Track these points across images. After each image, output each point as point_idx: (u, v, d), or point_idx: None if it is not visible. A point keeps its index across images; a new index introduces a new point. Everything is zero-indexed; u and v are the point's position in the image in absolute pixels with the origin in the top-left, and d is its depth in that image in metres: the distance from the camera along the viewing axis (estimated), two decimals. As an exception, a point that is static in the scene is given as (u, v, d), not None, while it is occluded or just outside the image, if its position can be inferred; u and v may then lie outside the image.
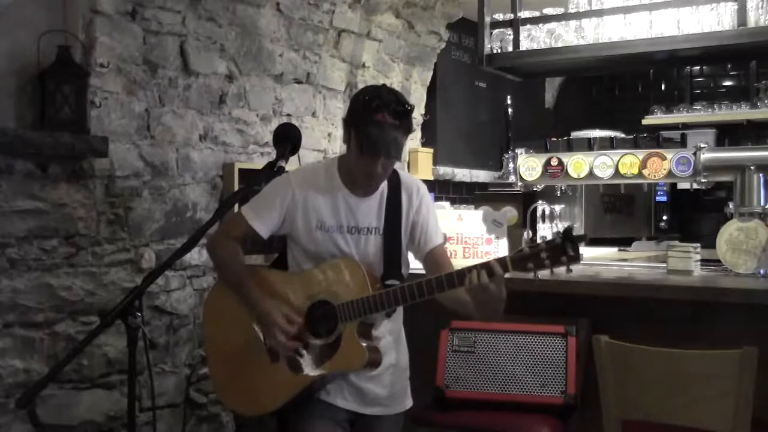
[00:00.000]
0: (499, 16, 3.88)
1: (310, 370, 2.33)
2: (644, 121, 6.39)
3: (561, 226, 3.54)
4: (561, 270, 2.13)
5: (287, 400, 2.36)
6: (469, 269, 2.17)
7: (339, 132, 4.33)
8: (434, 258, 2.45)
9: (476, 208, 3.67)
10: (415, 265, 2.55)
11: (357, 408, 2.41)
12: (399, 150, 2.28)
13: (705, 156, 3.35)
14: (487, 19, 3.85)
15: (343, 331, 2.31)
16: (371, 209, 2.40)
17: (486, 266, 2.15)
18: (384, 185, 2.41)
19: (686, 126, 6.24)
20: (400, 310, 2.48)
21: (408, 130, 2.30)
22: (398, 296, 2.27)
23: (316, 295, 2.36)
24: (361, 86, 4.60)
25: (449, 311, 2.39)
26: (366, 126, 2.22)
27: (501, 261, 2.16)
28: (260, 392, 2.40)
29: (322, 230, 2.38)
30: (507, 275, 2.17)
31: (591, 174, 3.59)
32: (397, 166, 2.40)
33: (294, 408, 2.39)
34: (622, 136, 4.30)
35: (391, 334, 2.46)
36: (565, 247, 2.09)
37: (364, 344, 2.32)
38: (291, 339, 2.33)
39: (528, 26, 3.81)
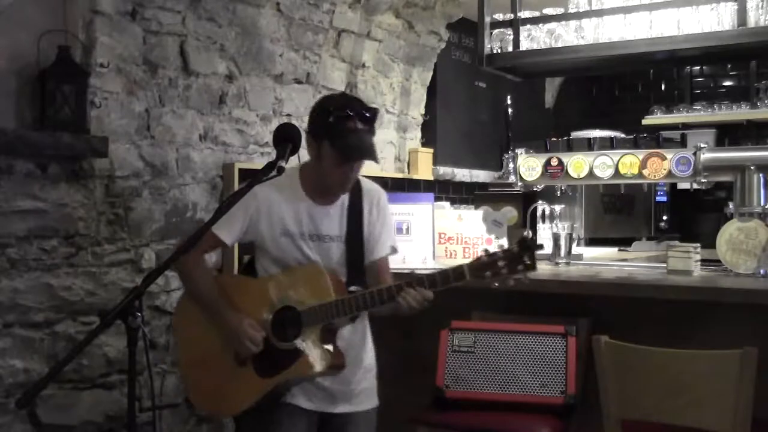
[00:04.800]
0: (499, 16, 3.88)
1: (275, 373, 2.39)
2: (644, 121, 6.38)
3: (561, 226, 3.55)
4: (519, 278, 2.20)
5: (254, 402, 2.42)
6: (431, 276, 2.27)
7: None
8: (374, 268, 2.52)
9: (476, 208, 3.67)
10: (393, 265, 2.63)
11: (325, 408, 2.49)
12: (375, 151, 2.40)
13: (705, 156, 3.34)
14: (487, 19, 3.85)
15: (307, 336, 2.37)
16: (333, 218, 2.48)
17: (447, 274, 2.26)
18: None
19: (686, 126, 6.23)
20: (364, 316, 2.54)
21: (374, 131, 2.42)
22: (360, 302, 2.34)
23: (281, 301, 2.42)
24: (361, 86, 4.61)
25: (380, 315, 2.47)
26: (341, 136, 2.31)
27: (458, 269, 2.26)
28: (228, 395, 2.47)
29: (286, 236, 2.45)
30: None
31: (591, 174, 3.59)
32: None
33: (260, 412, 2.45)
34: (622, 136, 4.29)
35: (355, 337, 2.53)
36: (521, 256, 2.16)
37: (327, 349, 2.39)
38: (258, 345, 2.39)
39: (528, 26, 3.81)
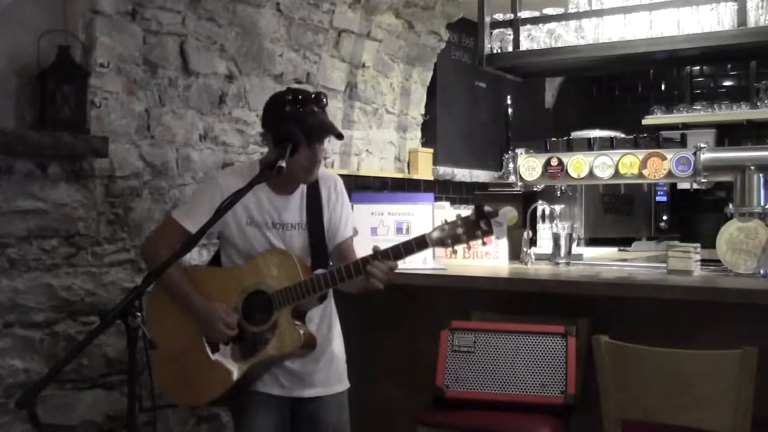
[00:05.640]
0: (499, 16, 3.88)
1: (249, 356, 2.47)
2: (644, 121, 6.38)
3: (561, 226, 3.55)
4: (476, 243, 2.38)
5: (228, 388, 2.48)
6: (396, 248, 2.36)
7: (339, 132, 4.33)
8: (340, 251, 2.62)
9: (476, 208, 3.66)
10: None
11: (295, 392, 2.56)
12: (335, 126, 2.52)
13: (705, 156, 3.34)
14: (487, 19, 3.85)
15: (279, 318, 2.45)
16: (294, 206, 2.57)
17: (374, 258, 2.35)
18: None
19: (686, 126, 6.22)
20: (331, 302, 2.65)
21: (326, 113, 2.55)
22: (328, 278, 2.41)
23: (251, 286, 2.49)
24: (361, 86, 4.62)
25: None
26: (303, 120, 2.41)
27: (420, 238, 2.37)
28: (202, 382, 2.51)
29: (252, 225, 2.53)
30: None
31: (591, 174, 3.59)
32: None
33: (231, 402, 2.54)
34: (622, 136, 4.29)
35: (322, 319, 2.60)
36: (478, 223, 2.30)
37: (299, 327, 2.47)
38: (233, 328, 2.47)
39: (528, 26, 3.81)
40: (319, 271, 2.49)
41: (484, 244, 2.38)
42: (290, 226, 2.55)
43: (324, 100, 2.52)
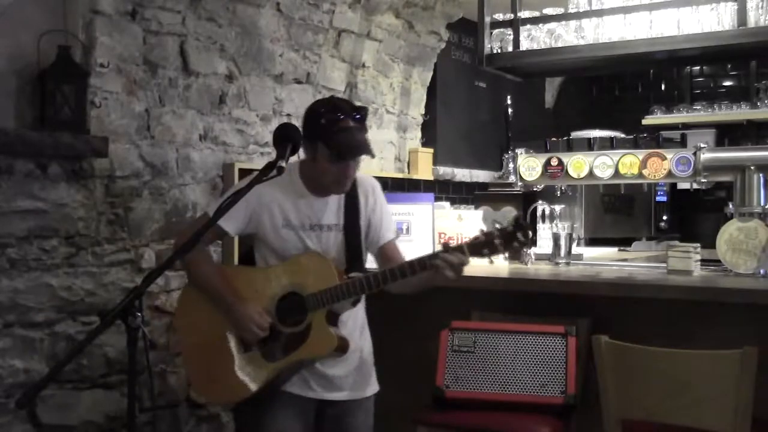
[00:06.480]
0: (499, 16, 3.88)
1: (281, 357, 2.46)
2: (644, 121, 6.38)
3: (561, 226, 3.55)
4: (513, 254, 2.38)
5: (258, 388, 2.47)
6: (432, 256, 2.36)
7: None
8: (386, 252, 2.62)
9: (476, 208, 3.68)
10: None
11: (323, 395, 2.54)
12: (369, 146, 2.49)
13: (705, 156, 3.34)
14: (487, 19, 3.85)
15: (313, 320, 2.44)
16: (331, 207, 2.56)
17: (446, 251, 2.35)
18: None
19: (686, 126, 6.22)
20: (362, 303, 2.62)
21: (366, 128, 2.52)
22: (365, 283, 2.41)
23: (285, 287, 2.49)
24: (361, 86, 4.61)
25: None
26: (336, 135, 2.40)
27: (459, 248, 2.35)
28: (233, 382, 2.50)
29: (288, 227, 2.53)
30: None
31: (591, 174, 3.59)
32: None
33: (258, 402, 2.51)
34: (622, 136, 4.29)
35: (354, 323, 2.60)
36: (515, 234, 2.30)
37: (332, 331, 2.46)
38: (265, 330, 2.47)
39: (528, 26, 3.81)
40: (355, 274, 2.48)
41: (521, 257, 2.38)
42: (327, 228, 2.55)
43: (362, 114, 2.48)
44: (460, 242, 2.41)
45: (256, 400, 2.50)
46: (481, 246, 2.32)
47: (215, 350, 2.52)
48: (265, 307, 2.48)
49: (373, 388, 2.66)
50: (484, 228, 2.40)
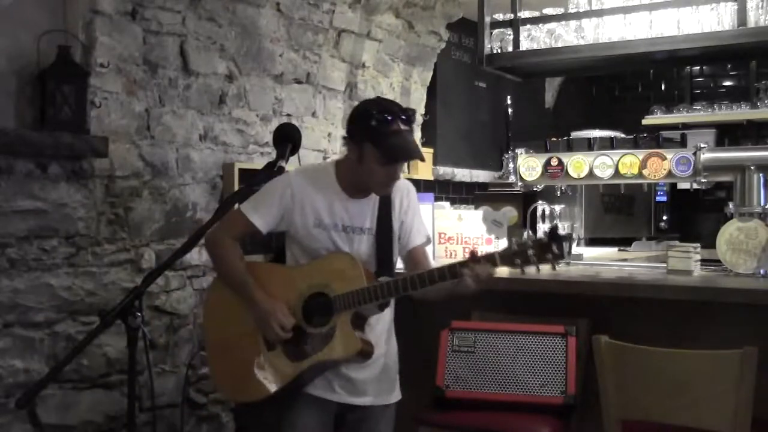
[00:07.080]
0: (499, 16, 3.87)
1: (304, 358, 2.43)
2: (644, 121, 6.38)
3: (561, 226, 3.54)
4: (546, 267, 2.28)
5: (281, 387, 2.44)
6: (462, 264, 2.29)
7: (339, 132, 4.33)
8: (414, 257, 2.58)
9: (476, 208, 3.68)
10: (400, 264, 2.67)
11: (346, 398, 2.50)
12: (419, 149, 2.46)
13: (705, 156, 3.34)
14: (487, 19, 3.85)
15: (338, 322, 2.40)
16: (365, 211, 2.52)
17: (476, 261, 2.29)
18: None
19: (686, 126, 6.23)
20: (390, 308, 2.57)
21: (413, 130, 2.49)
22: (392, 287, 2.37)
23: (312, 287, 2.45)
24: (361, 86, 4.61)
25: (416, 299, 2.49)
26: (386, 138, 2.36)
27: (490, 257, 2.29)
28: (256, 379, 2.48)
29: (319, 228, 2.48)
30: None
31: (591, 174, 3.59)
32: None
33: (281, 401, 2.48)
34: (622, 136, 4.29)
35: (382, 328, 2.56)
36: (550, 246, 2.23)
37: (357, 334, 2.42)
38: (287, 331, 2.42)
39: (528, 26, 3.80)
40: (383, 278, 2.44)
41: (554, 269, 2.30)
42: (359, 230, 2.51)
43: (411, 116, 2.44)
44: (491, 251, 2.34)
45: (277, 400, 2.47)
46: (514, 256, 2.26)
47: (239, 347, 2.50)
48: (292, 306, 2.45)
49: (396, 395, 2.61)
50: (508, 235, 2.32)
